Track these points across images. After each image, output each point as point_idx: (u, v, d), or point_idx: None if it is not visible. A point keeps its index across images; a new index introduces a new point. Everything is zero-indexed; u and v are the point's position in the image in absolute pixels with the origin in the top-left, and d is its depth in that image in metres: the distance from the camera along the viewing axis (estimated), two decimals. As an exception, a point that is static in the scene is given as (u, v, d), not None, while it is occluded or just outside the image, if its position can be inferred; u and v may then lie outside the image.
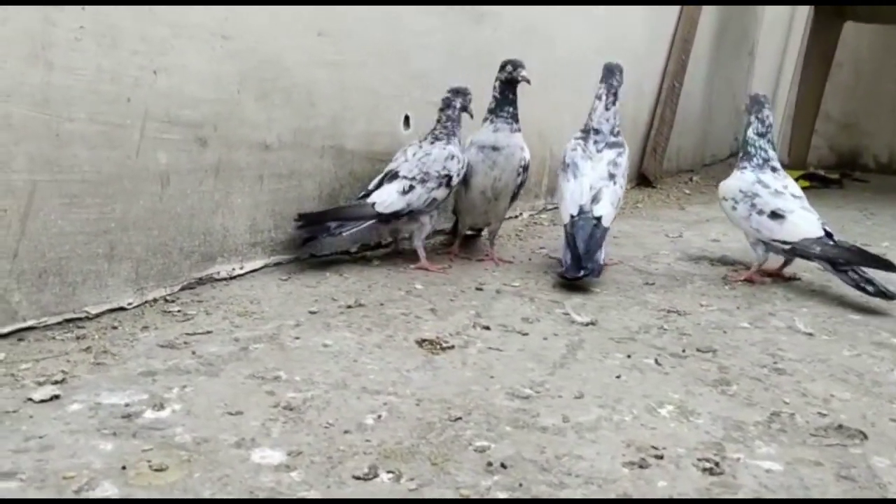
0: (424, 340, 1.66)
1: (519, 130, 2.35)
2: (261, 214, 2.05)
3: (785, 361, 1.66)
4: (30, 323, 1.55)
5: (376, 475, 1.12)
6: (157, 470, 1.10)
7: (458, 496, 1.07)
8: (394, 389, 1.41)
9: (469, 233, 2.58)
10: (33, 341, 1.53)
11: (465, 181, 2.34)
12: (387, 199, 2.18)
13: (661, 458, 1.21)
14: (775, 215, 2.24)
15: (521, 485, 1.11)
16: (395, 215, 2.20)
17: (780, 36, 4.16)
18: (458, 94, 2.33)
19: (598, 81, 2.43)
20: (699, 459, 1.20)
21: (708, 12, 4.37)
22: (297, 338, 1.64)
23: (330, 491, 1.07)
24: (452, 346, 1.64)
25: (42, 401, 1.28)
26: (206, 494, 1.04)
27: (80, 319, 1.64)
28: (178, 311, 1.76)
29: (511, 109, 2.33)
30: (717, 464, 1.19)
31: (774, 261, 2.39)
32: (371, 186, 2.23)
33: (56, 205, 1.56)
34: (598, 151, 2.31)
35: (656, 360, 1.62)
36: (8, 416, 1.23)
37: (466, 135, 2.40)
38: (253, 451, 1.16)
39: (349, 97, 2.24)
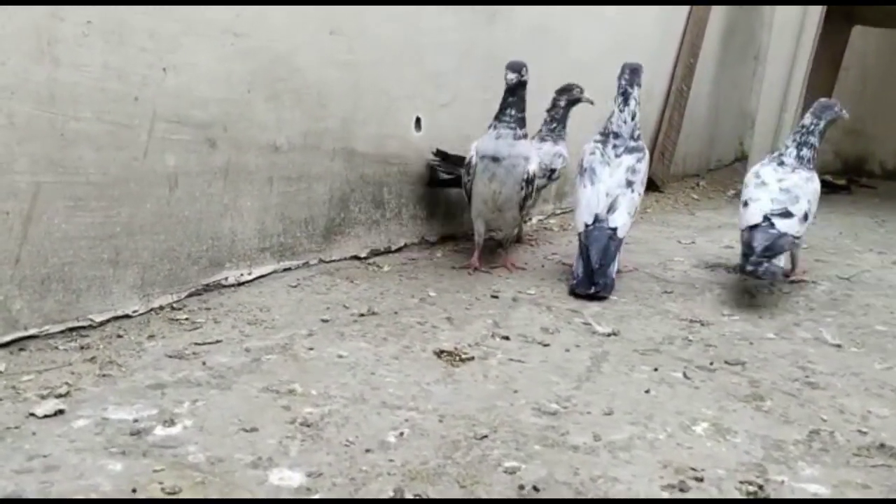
0: (443, 351, 1.60)
1: (525, 136, 2.19)
2: (270, 218, 1.99)
3: (817, 375, 1.60)
4: (32, 332, 1.48)
5: (402, 498, 1.05)
6: (169, 493, 1.03)
7: (491, 522, 1.01)
8: (414, 404, 1.35)
9: (481, 239, 2.49)
10: (35, 351, 1.46)
11: (468, 190, 2.25)
12: None
13: (700, 479, 1.14)
14: (745, 204, 2.24)
15: (556, 510, 1.04)
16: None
17: (790, 41, 4.10)
18: (563, 92, 2.38)
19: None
20: (741, 482, 1.14)
21: (715, 16, 4.32)
22: (311, 348, 1.58)
23: (355, 516, 1.00)
24: (472, 358, 1.58)
25: (46, 416, 1.22)
26: (224, 520, 0.98)
27: (83, 328, 1.57)
28: (186, 318, 1.69)
29: (513, 112, 2.15)
30: (760, 487, 1.13)
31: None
32: None
33: (60, 208, 1.50)
34: (617, 156, 2.23)
35: (685, 374, 1.56)
36: (10, 432, 1.17)
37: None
38: (271, 472, 1.10)
39: (361, 98, 2.18)
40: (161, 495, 1.02)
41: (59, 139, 1.47)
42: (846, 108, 2.40)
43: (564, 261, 2.47)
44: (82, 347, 1.50)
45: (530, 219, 3.03)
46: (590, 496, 1.08)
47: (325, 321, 1.74)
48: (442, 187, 2.54)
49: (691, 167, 4.67)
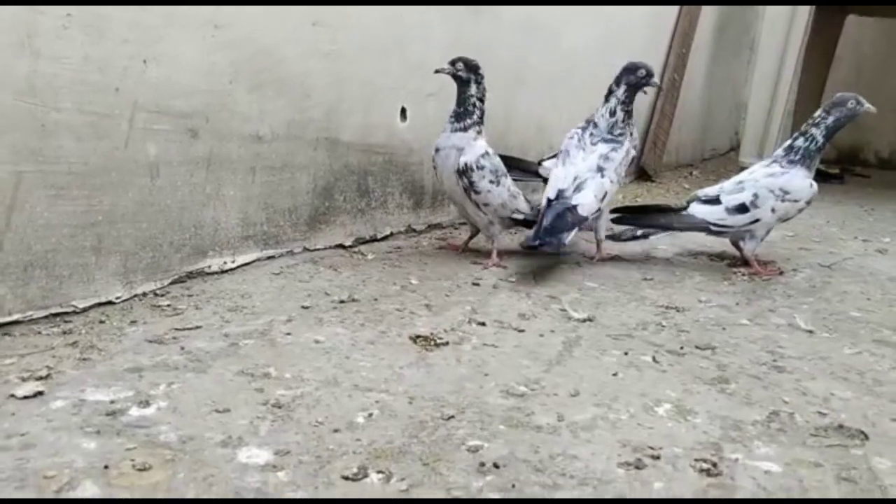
0: (418, 336, 1.63)
1: (464, 129, 2.21)
2: (253, 207, 2.02)
3: (785, 359, 1.63)
4: (15, 317, 1.52)
5: (366, 475, 1.09)
6: (140, 469, 1.07)
7: (448, 497, 1.04)
8: (386, 387, 1.38)
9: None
10: (18, 336, 1.50)
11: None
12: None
13: (657, 458, 1.18)
14: None
15: (513, 486, 1.08)
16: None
17: (782, 31, 4.12)
18: (625, 73, 2.35)
19: None
20: (696, 460, 1.17)
21: (709, 7, 4.34)
22: (289, 333, 1.61)
23: (318, 492, 1.04)
24: (447, 343, 1.61)
25: (25, 397, 1.26)
26: (191, 495, 1.02)
27: (66, 314, 1.61)
28: (168, 305, 1.73)
29: (456, 108, 2.23)
30: (714, 464, 1.16)
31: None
32: None
33: (42, 197, 1.53)
34: (593, 144, 2.29)
35: (654, 358, 1.59)
36: (-11, 412, 1.21)
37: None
38: (239, 451, 1.14)
39: (344, 89, 2.21)
40: (131, 471, 1.06)
41: (40, 129, 1.51)
42: (866, 102, 2.36)
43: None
44: (65, 332, 1.53)
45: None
46: (548, 473, 1.11)
47: (305, 308, 1.78)
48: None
49: (685, 157, 4.70)
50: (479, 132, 2.26)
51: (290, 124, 2.07)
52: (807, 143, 2.32)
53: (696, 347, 1.67)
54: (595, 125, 2.33)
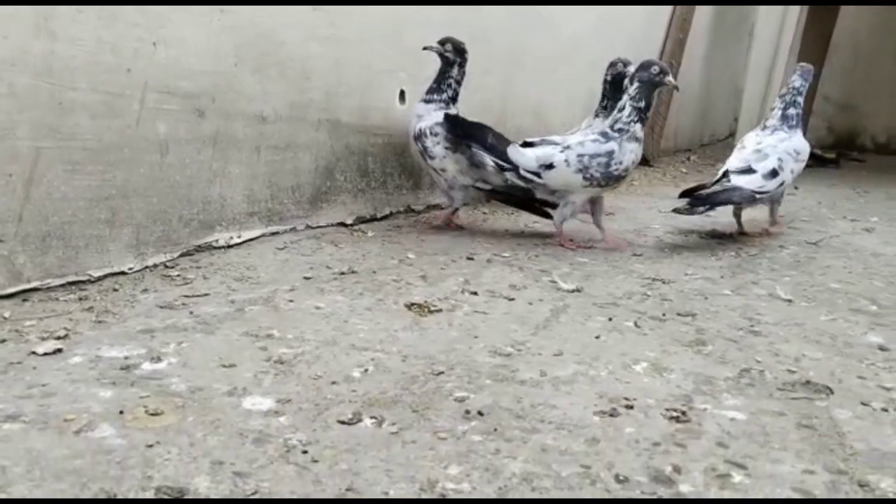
0: (413, 304, 1.72)
1: (428, 102, 2.43)
2: (258, 185, 2.12)
3: (761, 325, 1.72)
4: (34, 284, 1.62)
5: (360, 420, 1.18)
6: (152, 414, 1.16)
7: (435, 439, 1.13)
8: (381, 347, 1.48)
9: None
10: (37, 301, 1.60)
11: None
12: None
13: (631, 407, 1.27)
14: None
15: (495, 429, 1.17)
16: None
17: (777, 18, 4.19)
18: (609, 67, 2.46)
19: None
20: (667, 409, 1.26)
21: (707, -7, 4.41)
22: (291, 301, 1.71)
23: (315, 434, 1.13)
24: (440, 310, 1.71)
25: (45, 354, 1.35)
26: (199, 436, 1.11)
27: (82, 282, 1.70)
28: (178, 275, 1.82)
29: (432, 84, 2.44)
30: (683, 413, 1.25)
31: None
32: None
33: (59, 171, 1.63)
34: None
35: (636, 323, 1.68)
36: (13, 366, 1.30)
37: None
38: (244, 399, 1.23)
39: (344, 72, 2.30)
40: (144, 416, 1.16)
41: (58, 108, 1.60)
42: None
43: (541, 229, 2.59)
44: (80, 299, 1.63)
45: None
46: (528, 419, 1.21)
47: (307, 278, 1.88)
48: None
49: (683, 142, 4.77)
50: (442, 107, 2.43)
51: (293, 105, 2.16)
52: (797, 110, 2.50)
53: (678, 314, 1.76)
54: (597, 115, 2.51)
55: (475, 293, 1.84)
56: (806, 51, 4.46)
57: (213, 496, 0.97)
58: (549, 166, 2.28)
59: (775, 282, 2.07)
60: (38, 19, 1.54)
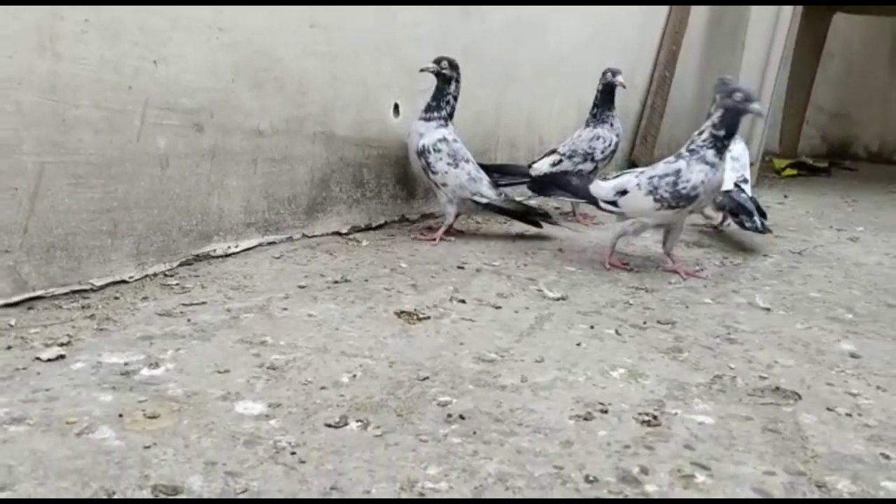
0: (403, 312, 1.79)
1: (428, 120, 2.51)
2: (255, 196, 2.19)
3: (738, 333, 1.78)
4: (38, 293, 1.69)
5: (346, 423, 1.25)
6: (150, 417, 1.23)
7: (417, 441, 1.20)
8: (370, 353, 1.54)
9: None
10: (41, 310, 1.67)
11: None
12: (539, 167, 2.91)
13: (605, 412, 1.33)
14: None
15: (474, 432, 1.24)
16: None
17: (767, 27, 4.25)
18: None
19: None
20: (640, 413, 1.33)
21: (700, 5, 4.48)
22: (285, 309, 1.78)
23: (303, 436, 1.20)
24: (429, 317, 1.77)
25: (49, 360, 1.42)
26: (193, 438, 1.18)
27: (85, 291, 1.77)
28: (176, 284, 1.89)
29: (430, 102, 2.52)
30: (655, 417, 1.32)
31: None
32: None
33: (63, 185, 1.70)
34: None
35: (617, 331, 1.75)
36: (18, 372, 1.37)
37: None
38: (237, 403, 1.30)
39: (340, 86, 2.37)
40: (142, 419, 1.22)
41: (61, 124, 1.67)
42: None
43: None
44: (83, 307, 1.70)
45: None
46: (506, 423, 1.27)
47: (301, 287, 1.94)
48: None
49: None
50: (442, 125, 2.52)
51: (289, 119, 2.23)
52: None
53: (658, 322, 1.83)
54: (587, 125, 2.69)
55: (463, 301, 1.90)
56: (799, 60, 4.53)
57: (206, 495, 1.03)
58: (623, 192, 2.26)
59: (756, 290, 2.14)
60: (42, 39, 1.62)
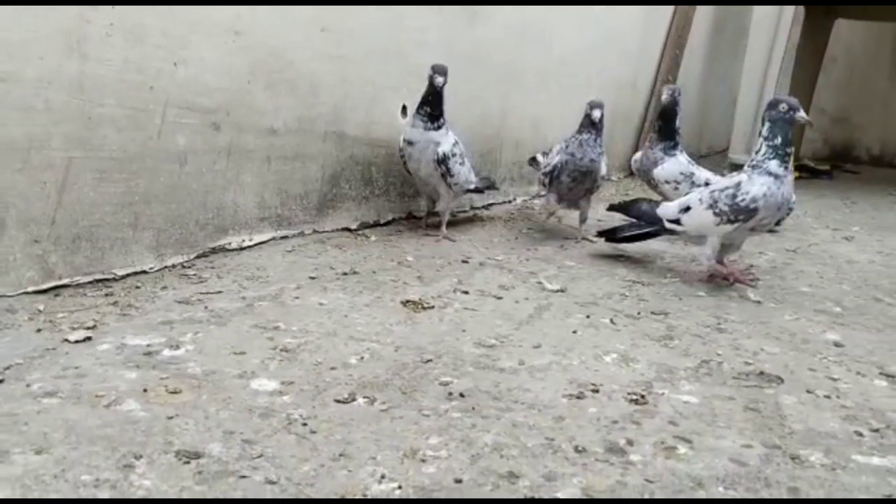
0: (409, 301, 1.88)
1: (436, 129, 2.52)
2: (268, 192, 2.29)
3: (728, 323, 1.87)
4: (65, 281, 1.79)
5: (354, 399, 1.34)
6: (172, 392, 1.33)
7: (420, 415, 1.29)
8: (377, 338, 1.64)
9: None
10: (68, 297, 1.77)
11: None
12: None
13: (597, 391, 1.42)
14: None
15: (473, 408, 1.33)
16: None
17: (769, 31, 4.33)
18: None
19: None
20: (629, 393, 1.42)
21: (704, 10, 4.56)
22: (297, 297, 1.87)
23: (314, 410, 1.29)
24: (433, 307, 1.86)
25: (76, 341, 1.52)
26: (213, 410, 1.27)
27: (107, 280, 1.87)
28: (194, 274, 1.99)
29: (428, 109, 2.51)
30: (642, 396, 1.41)
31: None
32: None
33: (88, 179, 1.80)
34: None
35: (611, 320, 1.83)
36: (48, 352, 1.47)
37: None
38: (252, 381, 1.39)
39: (350, 88, 2.47)
40: (165, 394, 1.32)
41: (87, 122, 1.77)
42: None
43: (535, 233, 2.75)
44: (106, 294, 1.80)
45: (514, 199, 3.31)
46: (503, 400, 1.36)
47: (312, 278, 2.04)
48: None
49: (681, 154, 4.92)
50: (446, 130, 2.56)
51: (301, 119, 2.33)
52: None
53: (652, 313, 1.91)
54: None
55: (466, 292, 2.00)
56: (801, 65, 4.60)
57: (225, 459, 1.13)
58: (687, 209, 2.24)
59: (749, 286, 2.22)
60: (70, 41, 1.72)
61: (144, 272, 1.96)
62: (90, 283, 1.84)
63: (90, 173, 1.80)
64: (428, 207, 2.76)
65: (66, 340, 1.52)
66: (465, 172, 2.65)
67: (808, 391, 1.49)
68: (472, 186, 2.76)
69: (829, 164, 4.99)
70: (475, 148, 3.11)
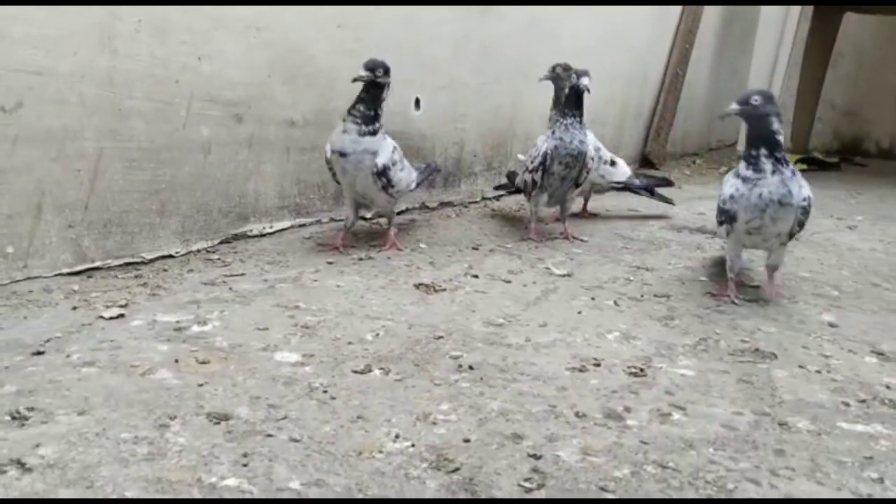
0: (421, 284, 1.98)
1: (373, 133, 2.19)
2: (288, 182, 2.39)
3: (727, 305, 1.95)
4: (97, 264, 1.90)
5: (370, 370, 1.44)
6: (201, 363, 1.43)
7: (432, 385, 1.38)
8: (391, 317, 1.73)
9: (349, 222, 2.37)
10: (100, 278, 1.88)
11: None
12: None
13: (598, 365, 1.51)
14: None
15: (482, 379, 1.42)
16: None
17: (777, 26, 4.39)
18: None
19: None
20: (629, 367, 1.51)
21: (713, 5, 4.63)
22: (316, 280, 1.97)
23: (333, 379, 1.39)
24: (444, 289, 1.96)
25: (111, 318, 1.63)
26: (240, 379, 1.37)
27: (137, 263, 1.98)
28: (218, 259, 2.09)
29: (362, 108, 2.18)
30: (641, 370, 1.49)
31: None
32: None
33: (118, 168, 1.90)
34: None
35: (615, 302, 1.92)
36: (85, 327, 1.57)
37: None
38: (276, 353, 1.49)
39: (365, 81, 2.56)
40: (195, 364, 1.42)
41: (118, 114, 1.88)
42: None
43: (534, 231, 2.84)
44: (136, 276, 1.91)
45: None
46: (510, 373, 1.45)
47: (329, 263, 2.14)
48: None
49: (691, 146, 4.99)
50: (384, 133, 2.25)
51: (319, 112, 2.43)
52: None
53: (655, 296, 2.00)
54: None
55: (476, 276, 2.09)
56: (809, 59, 4.66)
57: (252, 421, 1.22)
58: None
59: (751, 271, 2.30)
60: (102, 38, 1.82)
61: (171, 256, 2.06)
62: (120, 266, 1.95)
63: (120, 162, 1.91)
64: (352, 216, 2.34)
65: (101, 317, 1.63)
66: (405, 177, 2.35)
67: (801, 366, 1.57)
68: (413, 186, 2.47)
69: (839, 157, 5.05)
70: (487, 140, 3.21)
